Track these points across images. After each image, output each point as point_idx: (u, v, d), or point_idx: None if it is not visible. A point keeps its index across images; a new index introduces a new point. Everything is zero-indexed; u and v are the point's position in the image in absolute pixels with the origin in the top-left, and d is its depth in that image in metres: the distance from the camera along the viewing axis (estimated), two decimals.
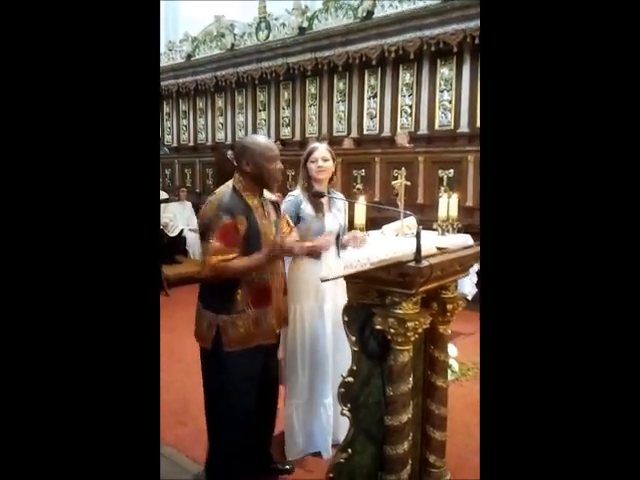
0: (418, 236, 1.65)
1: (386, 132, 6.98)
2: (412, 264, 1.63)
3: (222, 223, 1.85)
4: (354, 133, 7.34)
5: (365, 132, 7.30)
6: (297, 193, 2.34)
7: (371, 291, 1.79)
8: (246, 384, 1.96)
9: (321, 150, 2.36)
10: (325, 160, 2.35)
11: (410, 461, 1.83)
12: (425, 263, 1.63)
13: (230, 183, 1.97)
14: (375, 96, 7.16)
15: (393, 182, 3.64)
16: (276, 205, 2.09)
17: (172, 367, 3.47)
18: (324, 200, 2.34)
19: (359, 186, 6.03)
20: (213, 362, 1.97)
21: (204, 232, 1.90)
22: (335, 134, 7.57)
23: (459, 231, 3.37)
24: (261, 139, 2.03)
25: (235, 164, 2.00)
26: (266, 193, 2.03)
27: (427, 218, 3.74)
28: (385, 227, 3.46)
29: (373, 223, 3.44)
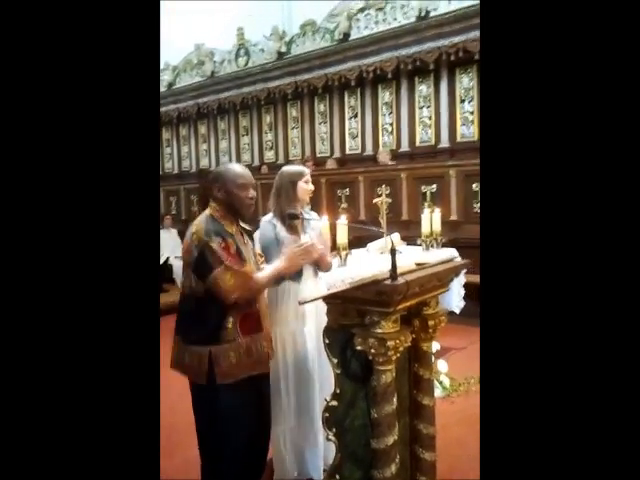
0: (393, 253, 1.64)
1: (368, 151, 7.03)
2: (388, 282, 1.61)
3: (219, 245, 1.80)
4: (337, 153, 7.39)
5: (348, 152, 7.35)
6: (269, 218, 2.32)
7: (350, 311, 1.76)
8: (242, 417, 1.89)
9: (308, 172, 2.40)
10: (308, 182, 2.37)
11: None
12: (401, 280, 1.61)
13: (207, 212, 1.94)
14: (356, 116, 7.23)
15: (374, 200, 3.64)
16: (249, 234, 2.07)
17: (163, 392, 3.39)
18: (298, 222, 2.33)
19: (344, 205, 6.04)
20: (207, 397, 1.89)
21: (204, 263, 1.81)
22: (318, 155, 7.62)
23: (444, 246, 3.36)
24: (234, 167, 2.00)
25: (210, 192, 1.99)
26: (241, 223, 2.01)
27: (412, 234, 3.73)
28: (370, 245, 3.45)
29: (360, 241, 3.43)
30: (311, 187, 2.37)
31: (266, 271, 1.92)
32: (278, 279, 2.07)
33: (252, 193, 1.95)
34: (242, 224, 2.02)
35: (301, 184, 2.31)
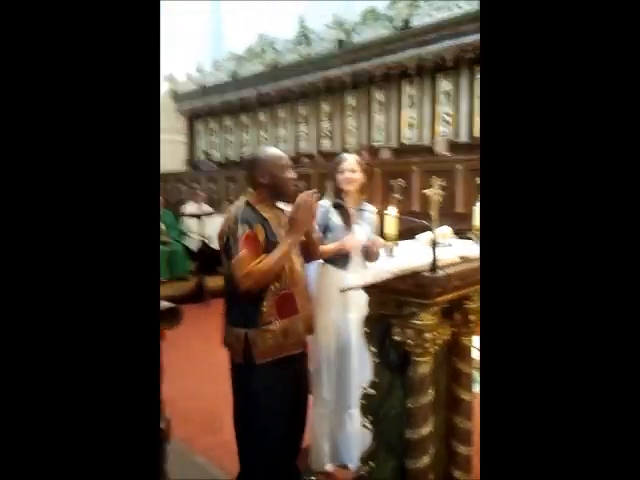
0: (434, 246, 1.64)
1: (425, 141, 6.91)
2: (428, 274, 1.61)
3: (243, 234, 1.88)
4: (393, 143, 7.31)
5: (404, 141, 7.26)
6: (326, 203, 2.37)
7: (390, 302, 1.78)
8: (278, 396, 1.96)
9: (350, 162, 2.39)
10: (353, 171, 2.36)
11: (433, 476, 1.79)
12: (441, 272, 1.61)
13: (243, 198, 2.01)
14: (413, 105, 7.12)
15: (424, 190, 3.59)
16: None
17: (204, 375, 3.54)
18: (351, 211, 2.35)
19: (396, 196, 5.98)
20: (244, 375, 1.98)
21: (227, 250, 1.91)
22: (374, 144, 7.57)
23: None
24: (272, 150, 2.07)
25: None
26: (281, 204, 2.06)
27: (466, 227, 3.66)
28: (419, 237, 3.42)
29: (412, 233, 3.40)
30: (348, 176, 2.35)
31: (274, 251, 1.90)
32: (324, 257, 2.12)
33: (293, 174, 2.01)
34: (281, 205, 2.07)
35: (337, 175, 2.34)
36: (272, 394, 1.94)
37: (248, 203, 1.98)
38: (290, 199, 2.06)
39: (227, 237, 1.91)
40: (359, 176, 2.38)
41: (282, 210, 2.07)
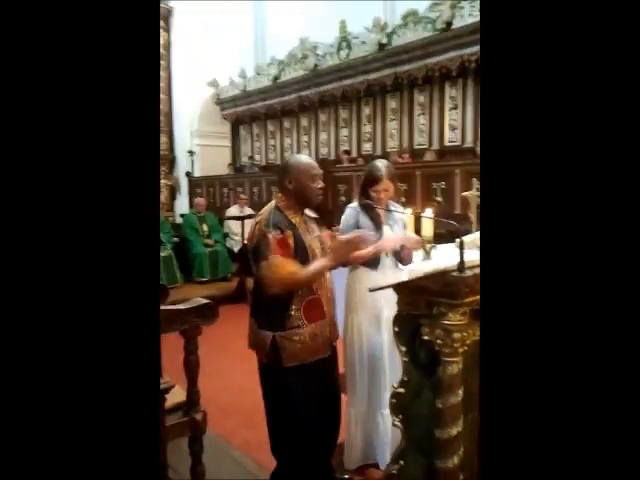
0: (461, 246, 1.64)
1: (468, 143, 6.83)
2: (456, 274, 1.62)
3: (274, 238, 1.90)
4: (435, 145, 7.25)
5: (447, 144, 7.19)
6: (355, 205, 2.39)
7: (419, 301, 1.78)
8: (306, 398, 1.99)
9: (385, 182, 2.34)
10: (386, 191, 2.34)
11: (462, 476, 1.79)
12: (469, 273, 1.61)
13: (273, 202, 2.04)
14: (456, 107, 7.04)
15: (463, 193, 3.57)
16: (317, 221, 2.15)
17: (243, 371, 3.61)
18: (381, 212, 2.36)
19: (438, 198, 5.94)
20: (272, 377, 2.01)
21: (258, 252, 1.93)
22: (416, 147, 7.53)
23: None
24: (304, 158, 2.10)
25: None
26: (307, 211, 2.09)
27: None
28: (458, 240, 3.40)
29: (453, 236, 3.37)
30: (382, 196, 2.33)
31: (311, 266, 1.95)
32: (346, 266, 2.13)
33: (322, 183, 2.04)
34: (308, 212, 2.10)
35: (371, 192, 2.35)
36: (300, 395, 1.97)
37: (278, 208, 2.00)
38: (314, 207, 2.09)
39: (258, 240, 1.93)
40: (391, 192, 2.36)
41: (309, 217, 2.10)
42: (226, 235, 7.79)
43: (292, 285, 1.92)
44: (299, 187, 2.00)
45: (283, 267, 1.89)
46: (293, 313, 1.95)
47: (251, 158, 10.65)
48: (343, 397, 2.33)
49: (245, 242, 6.87)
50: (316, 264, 1.96)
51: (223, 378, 3.51)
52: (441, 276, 1.65)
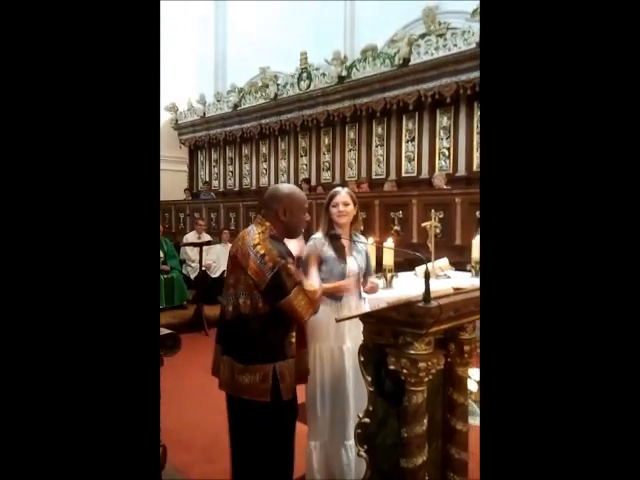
0: (427, 277, 1.68)
1: (424, 174, 7.04)
2: (421, 304, 1.65)
3: (293, 266, 1.88)
4: (392, 176, 7.44)
5: (403, 175, 7.39)
6: (319, 236, 2.40)
7: (385, 331, 1.81)
8: (293, 432, 1.97)
9: (342, 195, 2.39)
10: (346, 204, 2.37)
11: None
12: (434, 303, 1.65)
13: (261, 230, 1.91)
14: (413, 139, 7.28)
15: (423, 224, 3.66)
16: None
17: (203, 404, 3.52)
18: (345, 243, 2.38)
19: (396, 228, 6.06)
20: (270, 414, 1.88)
21: (281, 284, 1.81)
22: (374, 177, 7.71)
23: None
24: (296, 189, 2.06)
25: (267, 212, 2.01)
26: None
27: (465, 260, 3.70)
28: (418, 268, 3.47)
29: (411, 265, 3.44)
30: (342, 209, 2.37)
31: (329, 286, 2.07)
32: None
33: (308, 216, 2.08)
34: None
35: (331, 208, 2.38)
36: (291, 431, 1.95)
37: (273, 237, 1.90)
38: (296, 237, 2.10)
39: (277, 273, 1.81)
40: (351, 208, 2.40)
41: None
42: (183, 262, 7.64)
43: (317, 304, 1.95)
44: (292, 219, 1.96)
45: (312, 288, 1.92)
46: (293, 340, 1.91)
47: (206, 183, 10.55)
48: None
49: (204, 269, 6.80)
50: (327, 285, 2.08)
51: (182, 410, 3.41)
52: (407, 306, 1.68)
